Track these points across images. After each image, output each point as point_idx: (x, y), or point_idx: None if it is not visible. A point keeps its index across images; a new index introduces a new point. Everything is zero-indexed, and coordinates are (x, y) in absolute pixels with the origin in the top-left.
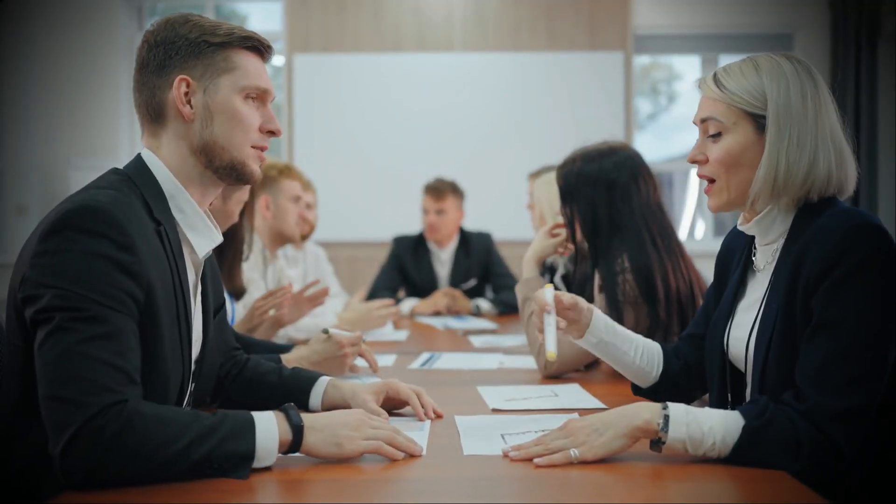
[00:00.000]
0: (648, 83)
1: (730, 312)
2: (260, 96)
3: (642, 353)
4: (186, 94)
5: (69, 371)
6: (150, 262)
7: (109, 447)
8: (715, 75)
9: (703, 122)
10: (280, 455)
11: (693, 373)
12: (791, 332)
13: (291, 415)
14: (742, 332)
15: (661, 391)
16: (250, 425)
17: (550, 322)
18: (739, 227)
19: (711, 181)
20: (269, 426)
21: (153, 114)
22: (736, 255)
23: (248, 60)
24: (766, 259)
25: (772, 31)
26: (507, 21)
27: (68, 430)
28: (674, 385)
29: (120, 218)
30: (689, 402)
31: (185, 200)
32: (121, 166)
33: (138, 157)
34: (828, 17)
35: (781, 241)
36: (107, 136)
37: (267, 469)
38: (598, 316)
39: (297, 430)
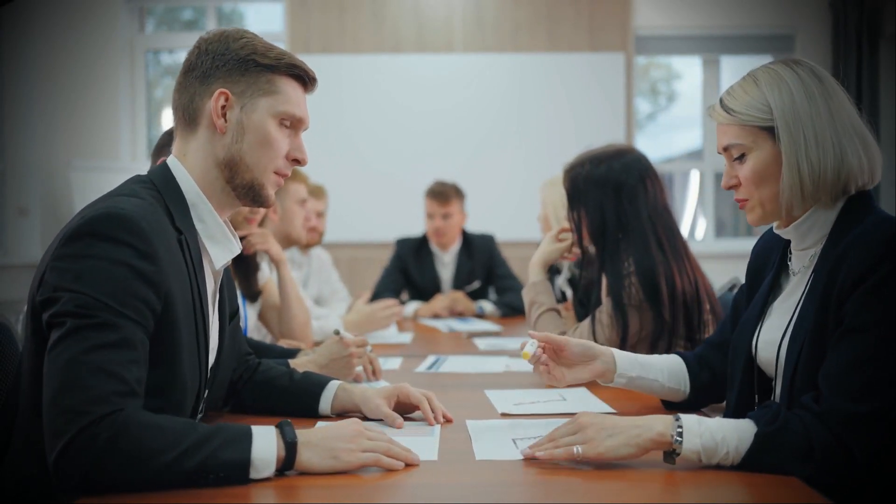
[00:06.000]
0: (647, 83)
1: (760, 315)
2: (294, 124)
3: (668, 375)
4: (224, 107)
5: (72, 380)
6: (171, 271)
7: (102, 454)
8: (721, 101)
9: (725, 150)
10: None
11: (720, 381)
12: (823, 336)
13: (286, 431)
14: (773, 335)
15: (693, 403)
16: (246, 435)
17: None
18: (776, 231)
19: (745, 199)
20: (267, 438)
21: (188, 118)
22: (770, 259)
23: (290, 87)
24: (802, 263)
25: (773, 32)
26: (507, 22)
27: (64, 437)
28: (705, 396)
29: (143, 226)
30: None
31: (206, 211)
32: (120, 167)
33: (164, 165)
34: (828, 18)
35: (819, 247)
36: (107, 137)
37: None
38: (620, 355)
39: (290, 447)
